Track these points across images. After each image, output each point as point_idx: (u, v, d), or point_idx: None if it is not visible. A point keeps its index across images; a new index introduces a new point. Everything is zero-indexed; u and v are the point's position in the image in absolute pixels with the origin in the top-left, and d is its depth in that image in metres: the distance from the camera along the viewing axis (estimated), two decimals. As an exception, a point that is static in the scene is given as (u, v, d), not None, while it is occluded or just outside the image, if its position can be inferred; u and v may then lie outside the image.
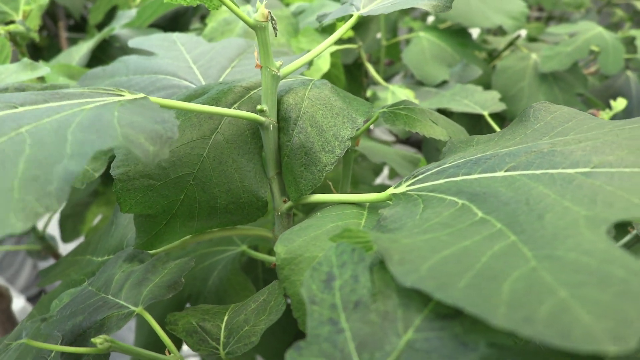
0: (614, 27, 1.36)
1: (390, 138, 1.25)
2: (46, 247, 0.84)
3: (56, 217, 0.85)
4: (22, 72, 0.46)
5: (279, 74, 0.31)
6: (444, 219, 0.22)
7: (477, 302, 0.14)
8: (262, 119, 0.31)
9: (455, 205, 0.23)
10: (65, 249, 0.85)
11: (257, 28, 0.30)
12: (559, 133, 0.27)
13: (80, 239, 0.86)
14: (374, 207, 0.30)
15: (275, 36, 0.31)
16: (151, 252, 0.33)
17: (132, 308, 0.26)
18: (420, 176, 0.27)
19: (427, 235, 0.20)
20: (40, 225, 0.83)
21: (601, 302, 0.13)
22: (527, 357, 0.14)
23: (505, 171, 0.24)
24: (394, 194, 0.27)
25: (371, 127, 1.46)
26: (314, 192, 0.32)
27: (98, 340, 0.24)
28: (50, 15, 1.31)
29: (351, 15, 0.36)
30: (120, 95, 0.24)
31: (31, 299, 1.97)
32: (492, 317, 0.14)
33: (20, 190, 0.16)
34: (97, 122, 0.19)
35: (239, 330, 0.27)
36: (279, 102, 0.33)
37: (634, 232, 0.46)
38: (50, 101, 0.23)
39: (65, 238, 0.86)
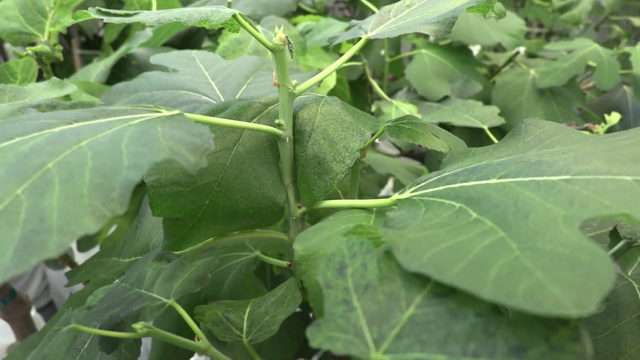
0: (613, 42, 1.39)
1: (394, 152, 1.28)
2: (63, 256, 0.87)
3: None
4: (51, 90, 0.50)
5: (294, 91, 0.34)
6: (443, 220, 0.25)
7: (469, 281, 0.17)
8: (279, 131, 0.34)
9: (453, 208, 0.26)
10: (80, 258, 0.88)
11: (275, 50, 0.33)
12: (546, 145, 0.30)
13: (96, 249, 0.90)
14: (380, 211, 0.33)
15: (292, 57, 0.34)
16: (177, 253, 0.37)
17: (165, 300, 0.30)
18: (422, 184, 0.31)
19: (427, 232, 0.23)
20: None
21: (569, 280, 0.16)
22: (508, 324, 0.17)
23: (498, 179, 0.27)
24: (399, 200, 0.30)
25: (376, 141, 1.49)
26: (326, 199, 0.35)
27: (138, 326, 0.27)
28: (63, 33, 1.35)
29: (360, 38, 0.40)
30: (159, 112, 0.27)
31: (41, 310, 2.00)
32: (481, 292, 0.17)
33: (89, 197, 0.19)
34: (145, 137, 0.22)
35: (260, 321, 0.30)
36: (294, 117, 0.36)
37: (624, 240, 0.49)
38: (99, 117, 0.26)
39: (82, 247, 0.89)
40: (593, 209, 0.21)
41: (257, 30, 0.33)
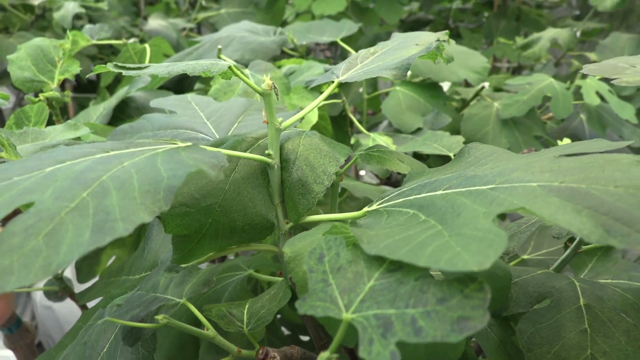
0: (572, 76, 1.51)
1: (376, 181, 1.37)
2: (63, 287, 0.92)
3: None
4: (67, 131, 0.57)
5: (280, 127, 0.42)
6: (400, 222, 0.32)
7: (411, 257, 0.24)
8: (269, 160, 0.41)
9: (408, 214, 0.33)
10: (80, 289, 0.93)
11: (264, 94, 0.41)
12: (482, 163, 0.38)
13: (95, 279, 0.94)
14: (353, 222, 0.40)
15: (277, 99, 0.42)
16: (183, 266, 0.43)
17: (178, 300, 0.36)
18: (386, 198, 0.38)
19: (386, 230, 0.30)
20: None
21: (477, 250, 0.23)
22: (436, 284, 0.24)
23: (443, 190, 0.34)
24: (368, 211, 0.38)
25: (361, 173, 1.59)
26: (309, 215, 0.42)
27: (159, 317, 0.33)
28: (71, 80, 1.44)
29: (333, 81, 0.48)
30: (176, 144, 0.35)
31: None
32: (418, 262, 0.24)
33: (141, 198, 0.26)
34: (174, 158, 0.29)
35: (258, 313, 0.36)
36: (281, 148, 0.43)
37: (572, 245, 0.57)
38: (130, 147, 0.33)
39: (81, 279, 0.94)
40: (504, 206, 0.28)
41: (247, 77, 0.41)
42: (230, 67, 0.41)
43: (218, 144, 0.45)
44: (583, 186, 0.28)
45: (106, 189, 0.26)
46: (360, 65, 0.50)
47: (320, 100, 0.44)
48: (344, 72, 0.48)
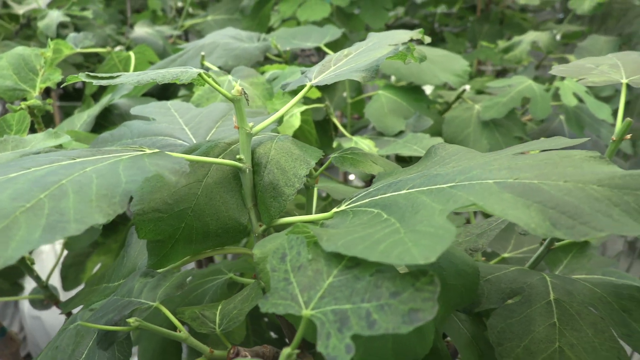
0: (553, 78, 1.53)
1: (362, 184, 1.39)
2: (49, 296, 0.92)
3: (57, 268, 0.93)
4: (48, 139, 0.57)
5: (251, 132, 0.43)
6: (363, 221, 0.33)
7: (364, 253, 0.25)
8: (240, 165, 0.42)
9: (372, 213, 0.34)
10: (66, 296, 0.93)
11: (234, 100, 0.42)
12: (446, 163, 0.39)
13: (80, 287, 0.94)
14: (322, 223, 0.41)
15: (248, 105, 0.43)
16: (159, 270, 0.44)
17: (151, 303, 0.36)
18: (354, 198, 0.39)
19: (348, 229, 0.31)
20: (44, 276, 0.91)
21: (426, 245, 0.24)
22: (389, 279, 0.25)
23: (407, 190, 0.35)
24: (336, 212, 0.38)
25: (350, 177, 1.61)
26: (281, 217, 0.43)
27: (131, 320, 0.34)
28: (53, 88, 1.44)
29: (305, 85, 0.49)
30: (143, 150, 0.35)
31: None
32: (369, 257, 0.25)
33: (97, 201, 0.26)
34: (136, 164, 0.30)
35: (230, 314, 0.37)
36: (253, 152, 0.44)
37: (545, 242, 0.58)
38: (96, 155, 0.34)
39: (67, 286, 0.94)
40: (460, 203, 0.29)
41: (218, 85, 0.42)
42: (199, 74, 0.41)
43: (193, 149, 0.46)
44: (535, 182, 0.29)
45: (64, 191, 0.27)
46: (334, 67, 0.51)
47: (290, 105, 0.45)
48: (316, 75, 0.49)
